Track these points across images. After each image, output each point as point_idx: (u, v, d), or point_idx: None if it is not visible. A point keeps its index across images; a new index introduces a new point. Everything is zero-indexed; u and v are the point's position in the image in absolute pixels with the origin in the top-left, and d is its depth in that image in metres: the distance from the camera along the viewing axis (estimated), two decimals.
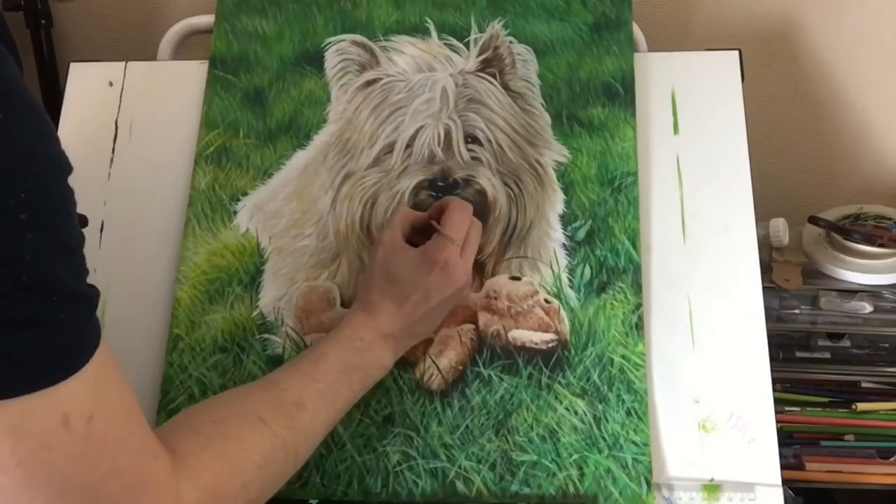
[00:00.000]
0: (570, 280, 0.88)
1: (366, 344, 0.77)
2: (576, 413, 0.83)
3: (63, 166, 0.54)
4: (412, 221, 0.84)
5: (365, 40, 0.97)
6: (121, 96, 1.00)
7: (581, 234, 0.90)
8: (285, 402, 0.71)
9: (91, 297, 0.55)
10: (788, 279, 1.05)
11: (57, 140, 0.55)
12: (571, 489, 0.81)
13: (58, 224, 0.53)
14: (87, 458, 0.54)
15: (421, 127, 0.91)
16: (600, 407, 0.83)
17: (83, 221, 0.74)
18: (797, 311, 1.05)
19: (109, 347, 0.57)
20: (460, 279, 0.80)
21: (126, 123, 0.99)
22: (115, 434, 0.56)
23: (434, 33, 0.98)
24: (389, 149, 0.92)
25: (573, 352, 0.85)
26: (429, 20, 0.99)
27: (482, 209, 0.89)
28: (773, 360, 0.85)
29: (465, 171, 0.90)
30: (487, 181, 0.90)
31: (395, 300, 0.79)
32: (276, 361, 0.86)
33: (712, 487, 0.82)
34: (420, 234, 0.83)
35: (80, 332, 0.54)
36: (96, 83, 1.00)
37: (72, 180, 0.54)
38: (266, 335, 0.88)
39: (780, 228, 1.05)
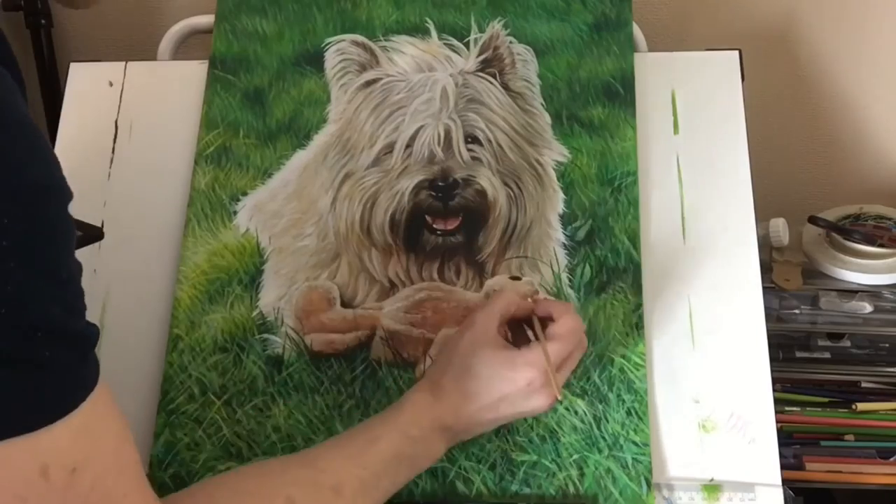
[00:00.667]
0: (570, 280, 0.88)
1: (423, 434, 0.71)
2: (576, 413, 0.83)
3: (59, 193, 0.49)
4: (515, 311, 0.76)
5: (365, 40, 0.97)
6: (121, 96, 1.00)
7: (581, 234, 0.90)
8: (322, 485, 0.65)
9: (85, 335, 0.50)
10: (788, 279, 1.05)
11: (54, 166, 0.50)
12: (571, 489, 0.81)
13: (47, 254, 0.48)
14: None
15: (421, 127, 0.91)
16: (600, 407, 0.83)
17: (98, 235, 0.69)
18: (797, 311, 1.05)
19: (109, 394, 0.52)
20: (544, 401, 0.72)
21: (126, 123, 0.99)
22: (102, 491, 0.51)
23: (434, 33, 0.98)
24: (389, 149, 0.92)
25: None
26: (429, 20, 0.99)
27: (482, 209, 0.90)
28: (773, 360, 0.85)
29: (465, 171, 0.90)
30: (487, 181, 0.90)
31: (465, 395, 0.72)
32: (276, 361, 0.86)
33: (712, 487, 0.82)
34: (520, 324, 0.76)
35: (69, 374, 0.49)
36: (96, 83, 1.00)
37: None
38: (266, 335, 0.88)
39: (780, 228, 1.05)
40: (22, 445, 0.47)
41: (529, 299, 0.77)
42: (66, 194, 0.50)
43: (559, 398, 0.72)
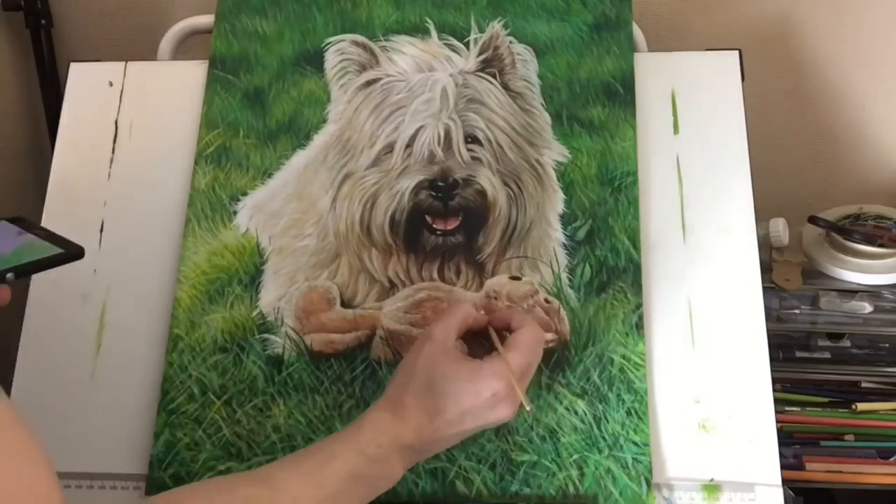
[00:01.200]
0: (570, 280, 0.88)
1: (382, 453, 0.69)
2: (576, 413, 0.83)
3: None
4: (471, 324, 0.75)
5: (365, 40, 0.97)
6: (121, 96, 1.00)
7: (581, 234, 0.90)
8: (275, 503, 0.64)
9: None
10: (788, 279, 1.05)
11: None
12: (571, 489, 0.81)
13: None
14: None
15: (421, 127, 0.91)
16: (600, 407, 0.83)
17: (79, 254, 0.67)
18: (797, 311, 1.05)
19: (13, 412, 0.48)
20: (507, 411, 0.71)
21: (126, 123, 0.99)
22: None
23: (434, 33, 0.98)
24: (389, 149, 0.92)
25: (573, 351, 0.84)
26: (429, 20, 0.99)
27: (482, 209, 0.90)
28: (773, 360, 0.85)
29: (465, 171, 0.90)
30: (487, 181, 0.90)
31: (428, 412, 0.70)
32: (275, 361, 0.86)
33: (712, 487, 0.82)
34: (476, 335, 0.76)
35: None
36: (96, 83, 1.00)
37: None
38: (266, 335, 0.88)
39: (780, 228, 1.05)
40: None
41: (482, 312, 0.77)
42: None
43: (528, 408, 0.71)
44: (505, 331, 0.75)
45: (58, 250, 0.66)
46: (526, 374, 0.73)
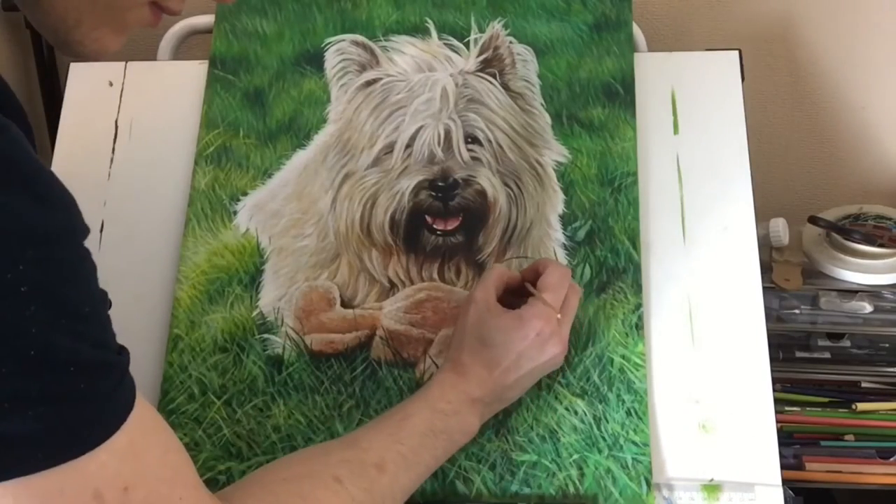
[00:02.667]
0: None
1: (453, 408, 0.74)
2: (576, 413, 0.83)
3: (72, 230, 0.51)
4: (507, 281, 0.81)
5: (365, 40, 0.97)
6: (121, 96, 1.00)
7: (581, 234, 0.90)
8: (365, 463, 0.68)
9: (115, 363, 0.53)
10: (788, 279, 1.05)
11: (66, 205, 0.51)
12: (571, 489, 0.81)
13: (66, 293, 0.50)
14: None
15: (421, 127, 0.91)
16: (600, 407, 0.83)
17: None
18: (797, 311, 1.05)
19: (149, 408, 0.54)
20: (556, 348, 0.77)
21: (126, 123, 0.99)
22: (157, 500, 0.53)
23: (434, 33, 0.98)
24: (389, 149, 0.92)
25: (573, 352, 0.84)
26: (429, 20, 0.99)
27: (482, 209, 0.90)
28: (773, 360, 0.85)
29: (465, 171, 0.90)
30: (487, 181, 0.90)
31: (486, 365, 0.76)
32: (275, 361, 0.86)
33: (712, 487, 0.82)
34: (514, 295, 0.81)
35: (107, 401, 0.51)
36: (96, 83, 1.00)
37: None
38: (266, 335, 0.88)
39: (780, 228, 1.05)
40: (71, 474, 0.50)
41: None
42: (79, 233, 0.51)
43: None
44: (538, 278, 0.80)
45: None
46: (566, 307, 0.79)
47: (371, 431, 0.72)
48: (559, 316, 0.78)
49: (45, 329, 0.48)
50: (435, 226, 0.89)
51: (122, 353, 0.54)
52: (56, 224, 0.50)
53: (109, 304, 0.55)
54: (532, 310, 0.77)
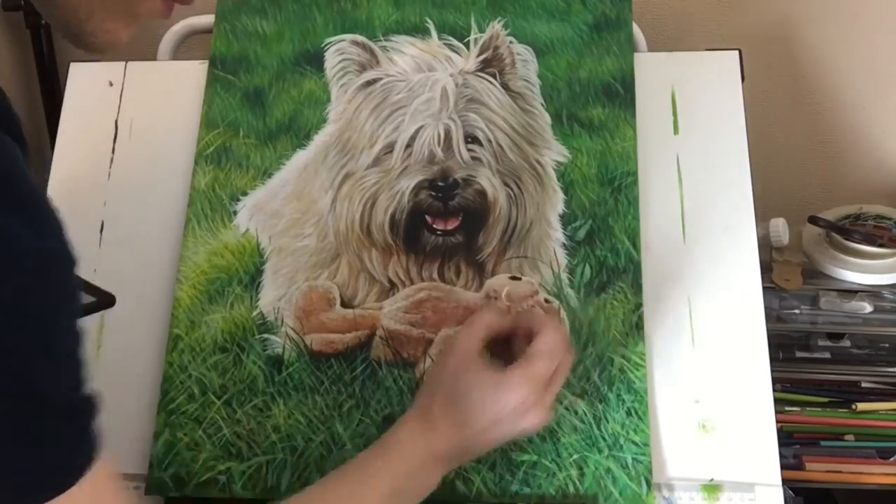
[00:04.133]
0: (570, 280, 0.88)
1: (418, 465, 0.70)
2: (576, 413, 0.83)
3: (62, 260, 0.48)
4: (496, 330, 0.75)
5: (365, 40, 0.97)
6: (121, 96, 1.00)
7: (581, 234, 0.90)
8: None
9: (85, 410, 0.49)
10: (788, 279, 1.04)
11: (56, 232, 0.48)
12: (571, 489, 0.81)
13: (43, 329, 0.46)
14: None
15: (421, 127, 0.91)
16: (600, 407, 0.83)
17: (110, 302, 0.67)
18: (797, 311, 1.05)
19: (109, 467, 0.51)
20: (536, 418, 0.71)
21: (126, 123, 0.99)
22: None
23: (434, 33, 0.98)
24: (389, 149, 0.92)
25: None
26: (429, 20, 0.99)
27: (482, 209, 0.90)
28: (773, 360, 0.85)
29: (465, 171, 0.90)
30: (487, 181, 0.90)
31: (455, 423, 0.71)
32: (275, 361, 0.86)
33: (712, 487, 0.82)
34: (501, 343, 0.76)
35: (70, 451, 0.48)
36: (96, 83, 1.00)
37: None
38: (266, 335, 0.88)
39: (780, 228, 1.05)
40: None
41: (508, 305, 0.76)
42: (69, 260, 0.48)
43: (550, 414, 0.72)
44: (530, 336, 0.74)
45: (90, 299, 0.66)
46: (555, 378, 0.72)
47: (333, 495, 0.69)
48: (546, 385, 0.71)
49: (22, 364, 0.45)
50: (435, 226, 0.89)
51: (89, 401, 0.50)
52: (48, 252, 0.47)
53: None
54: (517, 376, 0.71)
